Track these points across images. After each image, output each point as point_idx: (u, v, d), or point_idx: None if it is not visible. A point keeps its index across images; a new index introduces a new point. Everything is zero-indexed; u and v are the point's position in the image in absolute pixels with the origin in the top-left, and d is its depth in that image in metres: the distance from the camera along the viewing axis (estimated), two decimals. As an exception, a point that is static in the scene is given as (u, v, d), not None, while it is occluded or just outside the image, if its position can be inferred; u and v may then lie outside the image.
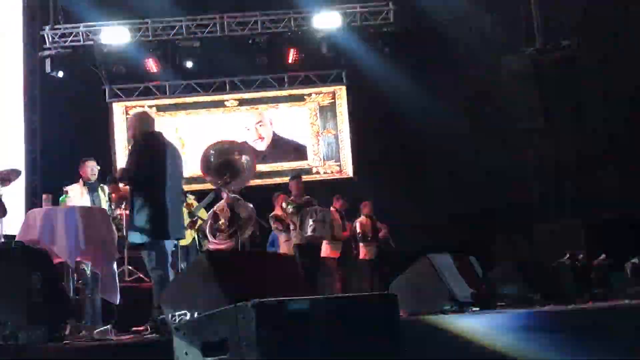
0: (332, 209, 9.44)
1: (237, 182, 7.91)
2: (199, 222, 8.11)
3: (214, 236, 8.49)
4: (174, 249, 6.05)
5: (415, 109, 12.42)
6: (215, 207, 8.54)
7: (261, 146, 13.34)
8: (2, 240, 5.95)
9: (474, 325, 4.72)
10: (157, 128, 6.14)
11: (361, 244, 10.13)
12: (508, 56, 9.87)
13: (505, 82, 9.85)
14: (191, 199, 8.11)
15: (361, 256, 10.14)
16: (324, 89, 13.50)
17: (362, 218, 10.23)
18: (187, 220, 7.82)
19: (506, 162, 11.54)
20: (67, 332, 4.96)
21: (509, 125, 10.33)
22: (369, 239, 10.12)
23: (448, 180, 12.41)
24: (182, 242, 7.68)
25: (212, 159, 8.08)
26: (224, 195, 8.36)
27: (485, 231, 11.86)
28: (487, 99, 11.94)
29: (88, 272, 6.72)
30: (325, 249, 9.27)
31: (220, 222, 8.43)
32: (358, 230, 10.05)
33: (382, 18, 12.60)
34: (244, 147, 8.25)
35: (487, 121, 11.90)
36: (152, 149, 5.77)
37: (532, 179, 10.97)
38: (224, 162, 7.96)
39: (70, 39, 12.28)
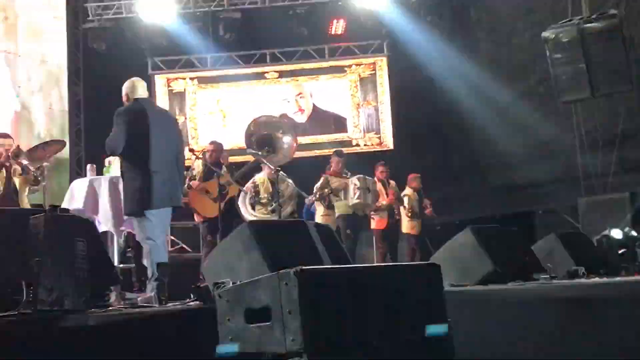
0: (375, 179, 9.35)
1: (277, 157, 7.95)
2: (230, 194, 8.05)
3: (253, 208, 8.52)
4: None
5: (456, 80, 12.26)
6: (255, 178, 8.56)
7: (301, 118, 13.32)
8: (47, 208, 6.05)
9: (517, 296, 4.68)
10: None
11: (407, 218, 10.00)
12: (553, 25, 9.63)
13: (550, 52, 9.62)
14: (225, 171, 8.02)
15: (405, 230, 10.01)
16: (365, 60, 13.36)
17: (410, 191, 10.04)
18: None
19: (550, 134, 11.35)
20: (111, 299, 5.05)
21: (554, 97, 10.12)
22: (417, 214, 10.01)
23: (490, 152, 12.26)
24: (210, 215, 7.71)
25: (254, 132, 8.14)
26: (265, 168, 8.39)
27: (529, 204, 11.72)
28: (531, 70, 11.73)
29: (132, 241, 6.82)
30: (372, 221, 9.29)
31: (263, 196, 8.45)
32: (406, 204, 9.90)
33: (424, -12, 12.42)
34: (287, 125, 8.23)
35: (531, 92, 11.70)
36: (132, 119, 5.74)
37: (577, 151, 10.77)
38: (266, 136, 8.01)
39: (112, 11, 12.37)
